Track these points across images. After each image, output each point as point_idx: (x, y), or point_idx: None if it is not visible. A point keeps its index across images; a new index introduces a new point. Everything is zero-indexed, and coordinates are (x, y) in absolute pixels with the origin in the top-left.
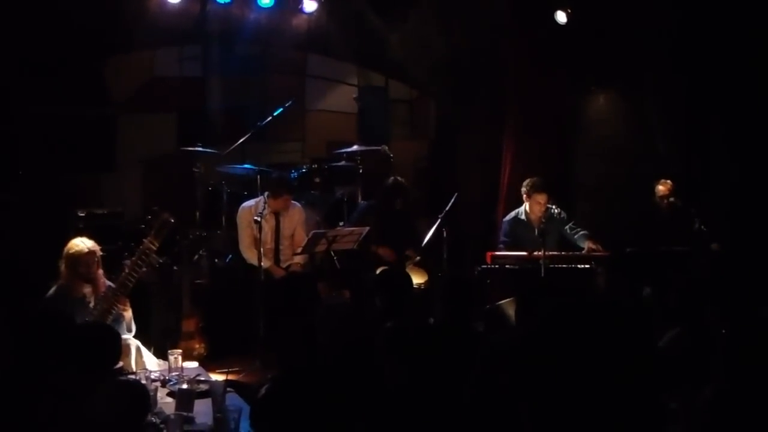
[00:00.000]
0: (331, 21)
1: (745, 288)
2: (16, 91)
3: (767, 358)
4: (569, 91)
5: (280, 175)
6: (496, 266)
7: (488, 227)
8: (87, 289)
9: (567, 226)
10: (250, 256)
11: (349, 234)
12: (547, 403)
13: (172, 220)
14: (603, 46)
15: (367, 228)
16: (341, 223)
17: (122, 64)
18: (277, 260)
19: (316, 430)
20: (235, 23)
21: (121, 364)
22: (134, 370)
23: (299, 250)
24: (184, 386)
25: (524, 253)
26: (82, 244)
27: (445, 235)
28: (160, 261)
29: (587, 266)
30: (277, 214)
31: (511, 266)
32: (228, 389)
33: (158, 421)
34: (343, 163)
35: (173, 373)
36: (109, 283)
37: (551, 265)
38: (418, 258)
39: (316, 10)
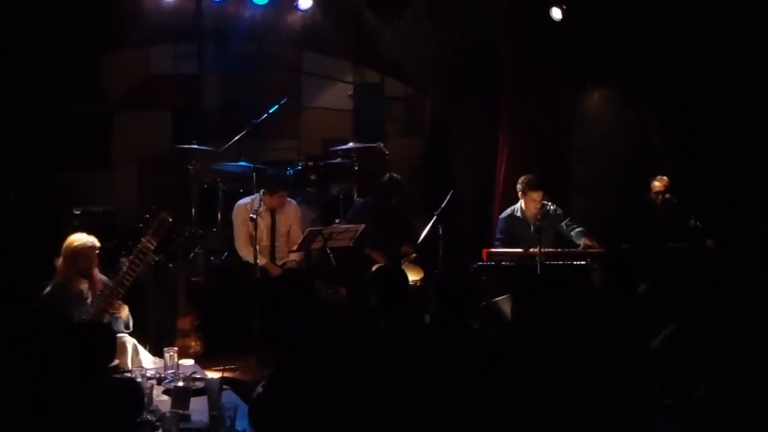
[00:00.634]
0: (326, 18)
1: (740, 284)
2: (11, 89)
3: (762, 355)
4: (564, 87)
5: (275, 173)
6: (492, 263)
7: (484, 224)
8: (84, 285)
9: (563, 223)
10: (245, 253)
11: (344, 231)
12: (541, 400)
13: (171, 219)
14: (598, 43)
15: (363, 225)
16: (337, 221)
17: (117, 62)
18: (272, 258)
19: (314, 427)
20: (231, 21)
21: (117, 362)
22: (130, 367)
23: (295, 247)
24: (180, 384)
25: (520, 250)
26: (84, 238)
27: (440, 232)
28: (156, 259)
29: (583, 263)
30: (272, 212)
31: (507, 263)
32: (224, 387)
33: (154, 418)
34: (338, 160)
35: (169, 371)
36: (105, 279)
37: (547, 262)
38: (413, 255)
39: (311, 8)
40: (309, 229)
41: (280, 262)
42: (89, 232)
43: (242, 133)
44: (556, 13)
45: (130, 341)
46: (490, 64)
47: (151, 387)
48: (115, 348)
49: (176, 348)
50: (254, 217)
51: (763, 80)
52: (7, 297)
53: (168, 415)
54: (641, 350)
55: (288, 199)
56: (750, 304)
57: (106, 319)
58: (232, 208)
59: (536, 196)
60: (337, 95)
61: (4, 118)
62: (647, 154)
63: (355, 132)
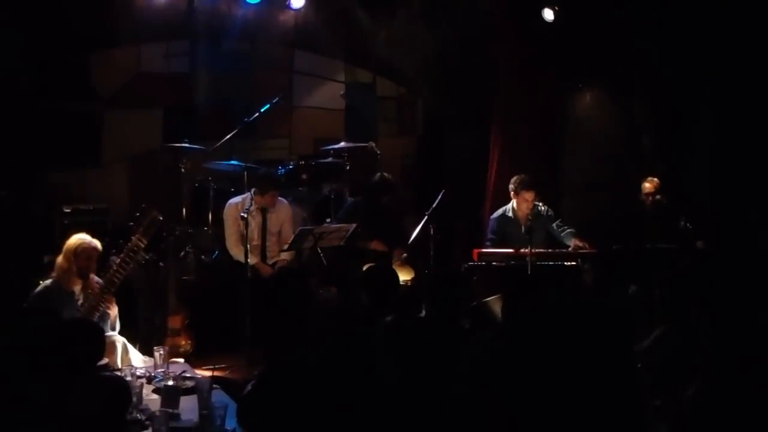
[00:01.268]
0: (318, 17)
1: (730, 285)
2: (1, 86)
3: (752, 355)
4: (556, 88)
5: (266, 172)
6: (483, 263)
7: (475, 224)
8: (77, 286)
9: (554, 224)
10: (236, 252)
11: (336, 231)
12: (530, 400)
13: (161, 218)
14: (590, 44)
15: (354, 225)
16: (328, 220)
17: (108, 60)
18: (263, 257)
19: (303, 426)
20: (223, 19)
21: (106, 360)
22: (120, 366)
23: (286, 246)
24: (170, 383)
25: (511, 250)
26: (87, 238)
27: (432, 232)
28: (146, 257)
29: (574, 263)
30: (263, 211)
31: (498, 263)
32: (214, 386)
33: (144, 417)
34: (330, 159)
35: (159, 370)
36: (98, 280)
37: (538, 263)
38: (404, 255)
39: (303, 7)
40: (300, 228)
41: (271, 262)
42: (80, 231)
43: (234, 132)
44: (548, 14)
45: (119, 340)
46: (483, 65)
47: (141, 386)
48: (104, 346)
49: (166, 347)
50: (245, 216)
51: (754, 81)
52: None
53: (158, 414)
54: (628, 352)
55: (279, 198)
56: (740, 305)
57: (95, 318)
58: (223, 207)
59: (528, 195)
60: (328, 95)
61: None
62: (638, 156)
63: (347, 131)
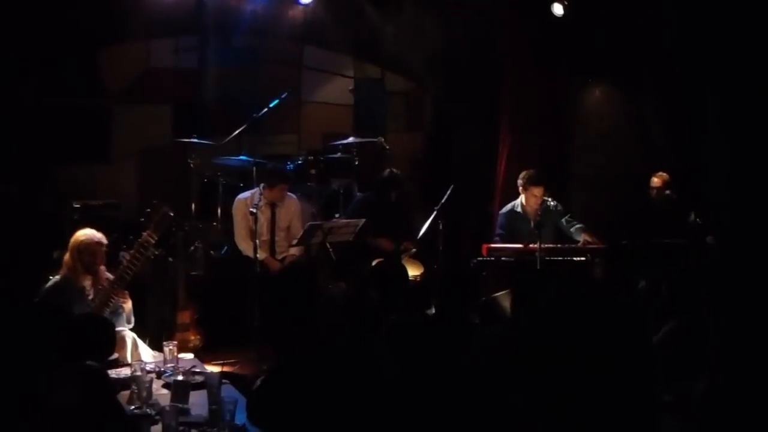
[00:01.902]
0: (327, 12)
1: (740, 280)
2: (11, 82)
3: (762, 350)
4: (565, 83)
5: (275, 167)
6: (492, 258)
7: (484, 220)
8: (87, 281)
9: (563, 219)
10: (245, 247)
11: (344, 226)
12: (541, 396)
13: (172, 214)
14: (599, 39)
15: (363, 220)
16: (337, 215)
17: (117, 55)
18: (272, 252)
19: (312, 421)
20: (231, 14)
21: (116, 355)
22: (129, 361)
23: (295, 241)
24: (180, 378)
25: (520, 246)
26: (91, 233)
27: (440, 227)
28: (156, 253)
29: (583, 259)
30: (272, 206)
31: (507, 258)
32: (223, 381)
33: (153, 412)
34: (338, 155)
35: (169, 365)
36: (108, 275)
37: (547, 258)
38: (413, 250)
39: (312, 2)
40: (309, 223)
41: (280, 257)
42: (89, 226)
43: (242, 127)
44: (558, 9)
45: (129, 335)
46: (492, 60)
47: (151, 381)
48: (114, 341)
49: (176, 342)
50: (254, 211)
51: (763, 76)
52: (7, 290)
53: (167, 409)
54: (644, 347)
55: (288, 193)
56: (750, 300)
57: (106, 313)
58: (232, 203)
59: (537, 191)
60: (337, 90)
61: (4, 112)
62: (647, 151)
63: (356, 127)
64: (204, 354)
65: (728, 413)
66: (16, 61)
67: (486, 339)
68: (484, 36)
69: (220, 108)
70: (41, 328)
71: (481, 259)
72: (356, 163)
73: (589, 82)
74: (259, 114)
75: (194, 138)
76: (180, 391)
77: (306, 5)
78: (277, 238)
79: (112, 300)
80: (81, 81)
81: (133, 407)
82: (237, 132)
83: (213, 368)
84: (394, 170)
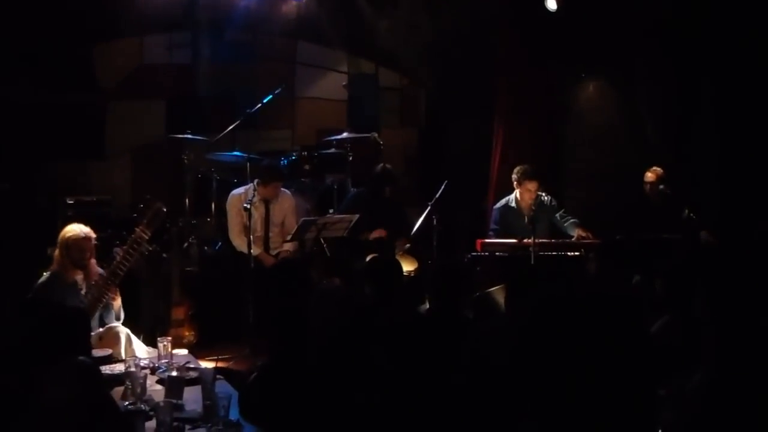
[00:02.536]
0: (321, 8)
1: (734, 275)
2: (3, 78)
3: (755, 345)
4: (559, 78)
5: (269, 163)
6: (486, 254)
7: (478, 215)
8: (79, 276)
9: (557, 214)
10: (239, 243)
11: (338, 221)
12: (536, 390)
13: (165, 210)
14: (593, 34)
15: (357, 216)
16: (331, 211)
17: (111, 51)
18: (266, 248)
19: (304, 417)
20: (225, 10)
21: (110, 351)
22: (124, 357)
23: (289, 237)
24: (174, 374)
25: (514, 241)
26: (78, 229)
27: (434, 222)
28: (150, 249)
29: (577, 253)
30: (266, 202)
31: (501, 254)
32: (218, 376)
33: (148, 408)
34: (332, 150)
35: (163, 361)
36: (100, 270)
37: (541, 253)
38: (407, 246)
39: None
40: (303, 219)
41: (274, 252)
42: (82, 222)
43: (236, 123)
44: (551, 4)
45: (123, 331)
46: (485, 55)
47: (145, 377)
48: (88, 333)
49: (170, 338)
50: (248, 207)
51: (757, 71)
52: (1, 287)
53: (162, 404)
54: (639, 340)
55: (282, 189)
56: (744, 295)
57: (99, 309)
58: (226, 198)
59: (532, 186)
60: (331, 85)
61: None
62: (641, 145)
63: (350, 122)
64: (198, 350)
65: (722, 407)
66: (9, 56)
67: (480, 335)
68: (478, 31)
69: (213, 104)
70: (34, 324)
71: (475, 254)
72: (350, 158)
73: (583, 77)
74: (253, 110)
75: (188, 134)
76: (174, 386)
77: (299, 1)
78: (271, 234)
79: (106, 296)
80: (74, 77)
81: (127, 403)
82: (231, 128)
83: (207, 364)
84: (388, 166)
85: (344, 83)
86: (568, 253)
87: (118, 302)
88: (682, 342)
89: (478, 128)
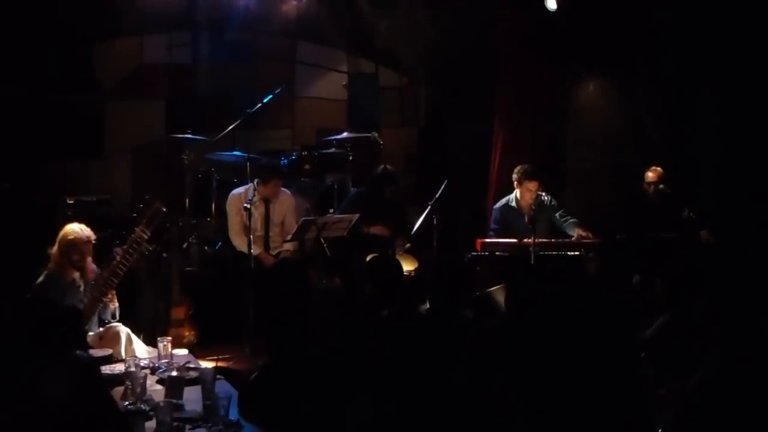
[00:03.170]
0: (320, 8)
1: (734, 275)
2: (3, 77)
3: (754, 344)
4: (559, 78)
5: (269, 162)
6: (486, 253)
7: (478, 214)
8: (76, 275)
9: (557, 214)
10: (239, 243)
11: (338, 221)
12: (534, 389)
13: (164, 210)
14: (593, 33)
15: (357, 215)
16: (331, 210)
17: (110, 51)
18: (266, 247)
19: (304, 417)
20: (225, 10)
21: (110, 351)
22: (124, 357)
23: (289, 237)
24: (174, 373)
25: (514, 240)
26: (80, 231)
27: (435, 222)
28: (150, 248)
29: (577, 253)
30: (266, 201)
31: (501, 253)
32: (218, 376)
33: (148, 408)
34: (332, 150)
35: (163, 361)
36: (95, 268)
37: (541, 252)
38: (408, 245)
39: None
40: (303, 218)
41: (274, 252)
42: (82, 222)
43: (236, 123)
44: (551, 3)
45: (123, 330)
46: (485, 55)
47: (145, 376)
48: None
49: (170, 337)
50: (248, 206)
51: (758, 71)
52: (0, 287)
53: (162, 404)
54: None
55: (282, 188)
56: (743, 294)
57: (99, 308)
58: (226, 198)
59: (532, 186)
60: (331, 85)
61: None
62: (642, 145)
63: (350, 122)
64: (198, 349)
65: (722, 406)
66: (9, 56)
67: (479, 333)
68: (478, 31)
69: (213, 103)
70: (32, 322)
71: (475, 253)
72: (350, 158)
73: (583, 77)
74: (253, 109)
75: (188, 133)
76: (174, 386)
77: (299, 1)
78: (271, 234)
79: (105, 296)
80: (74, 77)
81: (127, 403)
82: (231, 127)
83: (207, 364)
84: (388, 166)
85: (344, 83)
86: (568, 253)
87: (114, 305)
88: (682, 341)
89: (478, 128)
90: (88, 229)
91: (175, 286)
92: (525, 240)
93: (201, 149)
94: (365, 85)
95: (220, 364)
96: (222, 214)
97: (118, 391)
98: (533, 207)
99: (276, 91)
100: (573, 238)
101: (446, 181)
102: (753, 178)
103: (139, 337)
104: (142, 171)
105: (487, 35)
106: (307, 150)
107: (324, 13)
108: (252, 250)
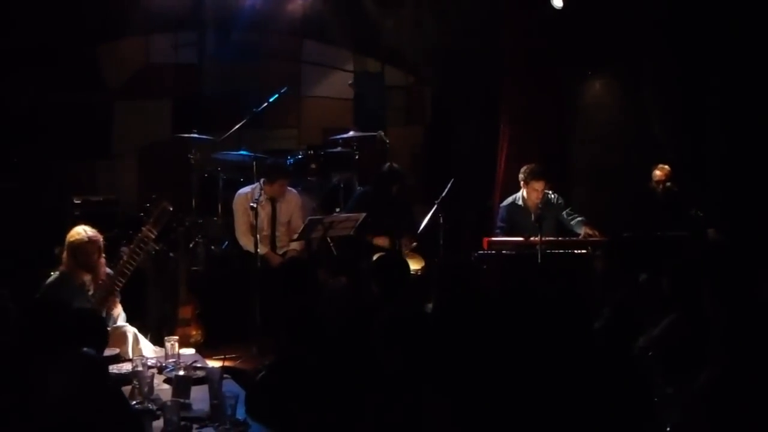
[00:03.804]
0: (326, 7)
1: (741, 273)
2: (10, 78)
3: (763, 342)
4: (566, 76)
5: (275, 161)
6: (493, 252)
7: (485, 213)
8: (87, 277)
9: (564, 212)
10: (246, 242)
11: (345, 220)
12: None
13: (171, 209)
14: (599, 32)
15: (364, 214)
16: (337, 210)
17: (117, 51)
18: (273, 247)
19: (311, 416)
20: (231, 9)
21: (117, 351)
22: (131, 356)
23: (295, 236)
24: (181, 373)
25: (521, 239)
26: (83, 232)
27: (441, 221)
28: (156, 248)
29: (584, 251)
30: (273, 201)
31: (508, 252)
32: (225, 376)
33: (155, 407)
34: (339, 149)
35: (170, 360)
36: (109, 271)
37: (548, 251)
38: (414, 244)
39: None
40: (309, 218)
41: (280, 251)
42: (89, 222)
43: (242, 122)
44: (557, 1)
45: (130, 330)
46: (491, 53)
47: (152, 376)
48: (106, 336)
49: (177, 337)
50: (255, 206)
51: (764, 68)
52: (8, 286)
53: (169, 404)
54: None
55: (288, 188)
56: (750, 292)
57: (105, 309)
58: (233, 198)
59: (538, 185)
60: (337, 84)
61: (3, 108)
62: (648, 143)
63: (356, 121)
64: (205, 349)
65: (729, 405)
66: (16, 56)
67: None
68: (484, 29)
69: (219, 103)
70: (41, 323)
71: (481, 252)
72: (356, 157)
73: (589, 75)
74: (259, 109)
75: (194, 133)
76: (181, 386)
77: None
78: (277, 233)
79: (111, 297)
80: (81, 76)
81: (134, 402)
82: (237, 127)
83: (214, 363)
84: (395, 165)
85: (350, 82)
86: (575, 251)
87: (118, 310)
88: (689, 340)
89: (485, 126)
90: (92, 230)
91: (182, 285)
92: (532, 238)
93: (207, 149)
94: (371, 84)
95: (227, 363)
96: (228, 213)
97: (126, 390)
98: (540, 205)
99: (282, 91)
100: (580, 237)
101: (452, 179)
102: (760, 175)
103: (146, 337)
104: (148, 170)
105: (493, 34)
106: (313, 149)
107: (330, 12)
108: (258, 250)
